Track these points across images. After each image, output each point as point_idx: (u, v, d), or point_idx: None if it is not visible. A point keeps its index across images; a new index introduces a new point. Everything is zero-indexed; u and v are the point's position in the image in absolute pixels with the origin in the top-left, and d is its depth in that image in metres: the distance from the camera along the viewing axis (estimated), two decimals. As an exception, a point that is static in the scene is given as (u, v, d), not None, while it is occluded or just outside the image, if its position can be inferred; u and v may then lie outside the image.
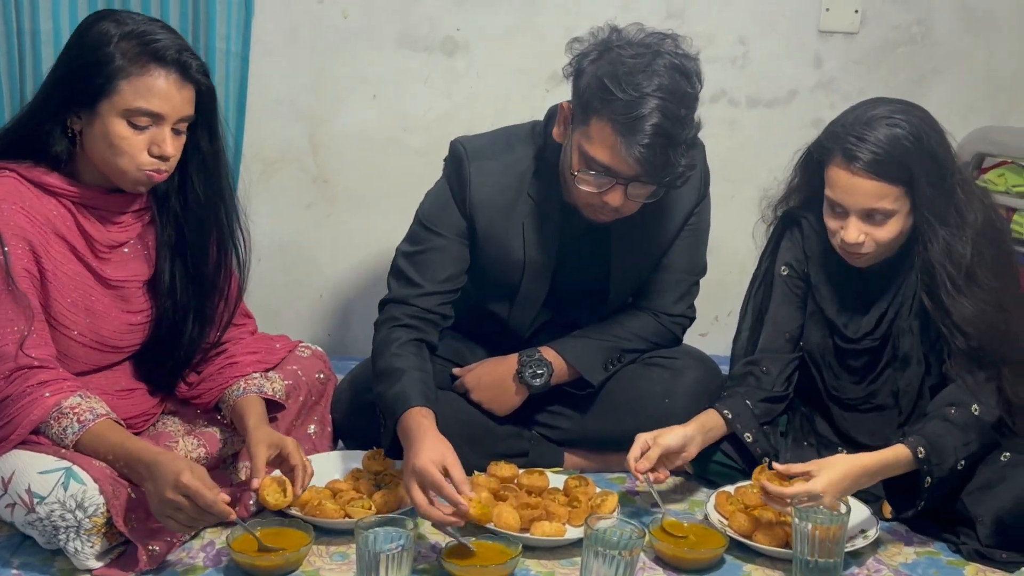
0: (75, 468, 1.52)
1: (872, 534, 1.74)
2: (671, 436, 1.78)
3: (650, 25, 1.83)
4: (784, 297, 1.95)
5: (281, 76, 2.55)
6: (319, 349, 2.06)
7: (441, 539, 1.71)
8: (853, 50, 2.75)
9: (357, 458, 1.90)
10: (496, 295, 2.01)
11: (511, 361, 1.99)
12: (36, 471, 1.52)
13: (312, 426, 1.95)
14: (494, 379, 2.00)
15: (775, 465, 1.72)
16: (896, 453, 1.70)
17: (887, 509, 1.82)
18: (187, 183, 1.72)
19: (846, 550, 1.65)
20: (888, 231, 1.77)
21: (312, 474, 1.69)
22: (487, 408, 2.00)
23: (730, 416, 1.86)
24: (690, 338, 2.17)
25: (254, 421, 1.71)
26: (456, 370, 2.06)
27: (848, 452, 1.83)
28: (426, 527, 1.75)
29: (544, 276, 1.97)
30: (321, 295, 2.72)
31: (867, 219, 1.76)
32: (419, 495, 1.61)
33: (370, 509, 1.72)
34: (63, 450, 1.55)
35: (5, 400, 1.56)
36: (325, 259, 2.69)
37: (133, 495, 1.56)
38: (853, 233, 1.76)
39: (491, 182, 1.91)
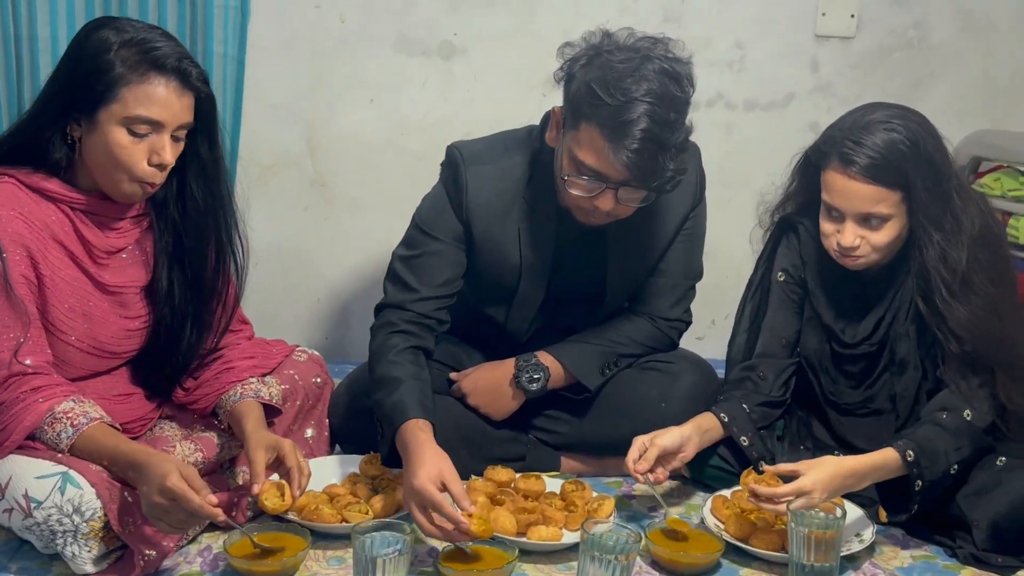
0: (72, 472, 1.53)
1: (868, 538, 1.74)
2: (668, 436, 1.79)
3: (647, 29, 1.83)
4: (781, 303, 1.95)
5: (279, 80, 2.55)
6: (316, 353, 2.06)
7: (438, 544, 1.71)
8: (850, 54, 2.75)
9: (354, 462, 1.90)
10: (492, 299, 2.01)
11: (508, 366, 2.00)
12: (33, 476, 1.52)
13: (309, 430, 1.96)
14: (491, 383, 2.00)
15: (765, 467, 1.72)
16: (885, 456, 1.71)
17: (883, 514, 1.82)
18: (186, 190, 1.73)
19: (842, 554, 1.65)
20: (884, 235, 1.77)
21: (309, 475, 1.69)
22: (484, 412, 2.00)
23: (726, 419, 1.87)
24: (687, 342, 2.18)
25: (252, 425, 1.72)
26: (453, 374, 2.06)
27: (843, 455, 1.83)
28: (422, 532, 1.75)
29: (540, 280, 1.98)
30: (319, 299, 2.72)
31: (863, 223, 1.77)
32: (420, 516, 1.62)
33: (367, 513, 1.72)
34: (59, 455, 1.56)
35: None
36: (323, 262, 2.69)
37: (130, 498, 1.56)
38: (849, 237, 1.77)
39: (487, 187, 1.92)
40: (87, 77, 1.59)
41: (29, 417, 1.55)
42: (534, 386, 1.97)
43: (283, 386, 1.89)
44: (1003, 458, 1.75)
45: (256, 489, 1.62)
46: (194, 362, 1.82)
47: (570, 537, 1.71)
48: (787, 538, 1.64)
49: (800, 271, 1.95)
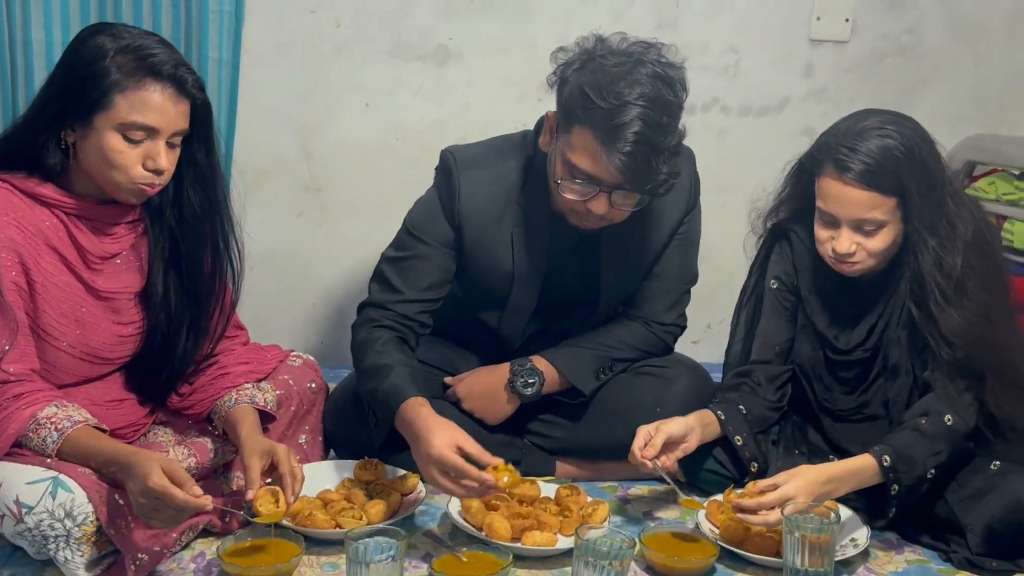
0: (62, 477, 1.52)
1: (862, 542, 1.74)
2: (673, 424, 1.80)
3: (642, 34, 1.83)
4: (774, 310, 1.96)
5: (274, 85, 2.55)
6: (310, 358, 2.06)
7: (432, 549, 1.71)
8: (844, 59, 2.76)
9: (348, 468, 1.90)
10: (486, 304, 2.01)
11: (503, 370, 2.00)
12: (24, 482, 1.52)
13: (303, 435, 1.95)
14: (486, 388, 2.00)
15: (747, 487, 1.73)
16: (862, 462, 1.72)
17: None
18: (182, 196, 1.73)
19: (836, 559, 1.65)
20: (879, 241, 1.77)
21: (303, 481, 1.68)
22: (479, 417, 2.00)
23: (723, 417, 1.88)
24: (683, 346, 2.18)
25: (247, 431, 1.71)
26: (448, 379, 2.06)
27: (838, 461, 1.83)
28: (417, 537, 1.75)
29: (533, 285, 1.98)
30: (314, 303, 2.72)
31: (858, 229, 1.77)
32: (445, 482, 1.63)
33: (361, 519, 1.71)
34: (49, 460, 1.55)
35: None
36: (318, 267, 2.69)
37: (120, 501, 1.56)
38: (845, 243, 1.77)
39: (481, 192, 1.92)
40: (83, 83, 1.59)
41: (13, 425, 1.55)
42: (529, 391, 1.97)
43: (278, 392, 1.88)
44: (997, 462, 1.75)
45: (251, 495, 1.62)
46: (190, 368, 1.81)
47: (564, 542, 1.71)
48: (781, 543, 1.64)
49: (793, 278, 1.95)
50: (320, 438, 1.99)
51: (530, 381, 1.98)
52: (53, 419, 1.57)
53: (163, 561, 1.62)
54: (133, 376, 1.80)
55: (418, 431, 1.68)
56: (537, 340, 2.06)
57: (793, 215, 1.94)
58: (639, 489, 2.02)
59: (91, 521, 1.53)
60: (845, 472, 1.72)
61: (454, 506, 1.78)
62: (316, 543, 1.70)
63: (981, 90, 2.83)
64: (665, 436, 1.77)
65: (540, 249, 1.95)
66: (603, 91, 1.71)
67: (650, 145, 1.71)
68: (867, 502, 1.78)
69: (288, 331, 2.66)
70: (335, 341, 2.72)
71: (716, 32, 2.69)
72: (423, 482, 1.85)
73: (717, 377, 2.08)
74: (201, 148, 1.70)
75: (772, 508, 1.65)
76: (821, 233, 1.82)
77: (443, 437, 1.65)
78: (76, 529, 1.52)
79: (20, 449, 1.57)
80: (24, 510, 1.51)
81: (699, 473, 1.94)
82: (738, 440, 1.88)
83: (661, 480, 2.03)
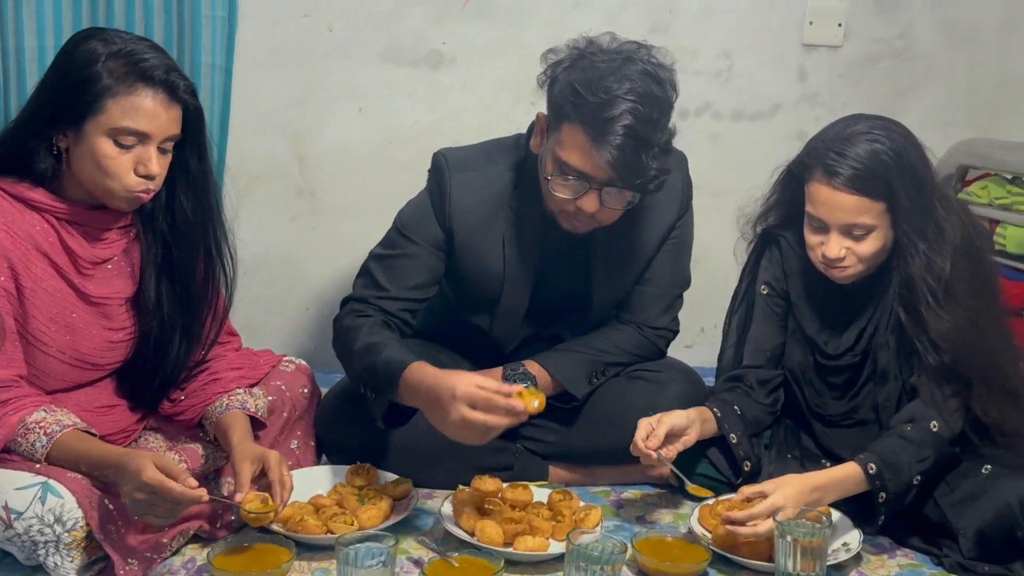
0: (51, 482, 1.52)
1: (855, 547, 1.74)
2: (675, 416, 1.80)
3: (635, 39, 1.83)
4: (765, 316, 1.96)
5: (267, 90, 2.55)
6: (303, 363, 2.06)
7: (424, 554, 1.70)
8: (837, 63, 2.76)
9: (340, 473, 1.90)
10: (478, 307, 2.01)
11: (495, 375, 1.99)
12: (12, 487, 1.51)
13: (295, 441, 1.95)
14: (479, 393, 2.00)
15: (735, 495, 1.72)
16: (847, 470, 1.73)
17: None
18: (175, 202, 1.72)
19: (829, 563, 1.65)
20: (869, 246, 1.77)
21: (291, 489, 1.68)
22: (472, 421, 2.00)
23: (719, 415, 1.88)
24: (677, 350, 2.18)
25: (238, 437, 1.71)
26: (441, 383, 2.05)
27: (831, 466, 1.83)
28: (407, 543, 1.75)
29: (524, 289, 1.97)
30: (307, 308, 2.72)
31: (848, 234, 1.77)
32: (474, 415, 1.61)
33: (353, 525, 1.71)
34: (38, 465, 1.55)
35: None
36: (311, 271, 2.69)
37: (111, 506, 1.56)
38: (834, 248, 1.77)
39: (472, 194, 1.92)
40: (74, 88, 1.59)
41: (1, 431, 1.55)
42: (521, 395, 1.97)
43: (270, 398, 1.88)
44: (988, 466, 1.75)
45: (239, 498, 1.62)
46: (182, 375, 1.81)
47: (557, 547, 1.71)
48: (773, 547, 1.64)
49: (783, 284, 1.95)
50: (312, 443, 1.98)
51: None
52: (42, 423, 1.57)
53: (154, 567, 1.61)
54: (125, 382, 1.79)
55: (433, 384, 1.66)
56: (530, 344, 2.05)
57: (782, 220, 1.94)
58: (632, 493, 2.02)
59: (81, 526, 1.52)
60: (831, 480, 1.72)
61: (446, 511, 1.78)
62: (307, 548, 1.69)
63: (973, 94, 2.84)
64: (668, 427, 1.77)
65: (531, 252, 1.94)
66: (592, 86, 1.71)
67: (639, 139, 1.71)
68: (857, 509, 1.78)
69: (281, 336, 2.66)
70: (328, 346, 2.71)
71: (709, 37, 2.70)
72: (415, 487, 1.85)
73: (710, 381, 2.08)
74: (193, 154, 1.70)
75: (761, 519, 1.65)
76: (811, 239, 1.82)
77: (462, 378, 1.63)
78: (66, 534, 1.52)
79: (9, 455, 1.57)
80: (13, 516, 1.51)
81: (692, 477, 1.94)
82: (733, 438, 1.88)
83: (655, 483, 2.04)
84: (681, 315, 2.13)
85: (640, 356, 2.06)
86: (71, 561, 1.54)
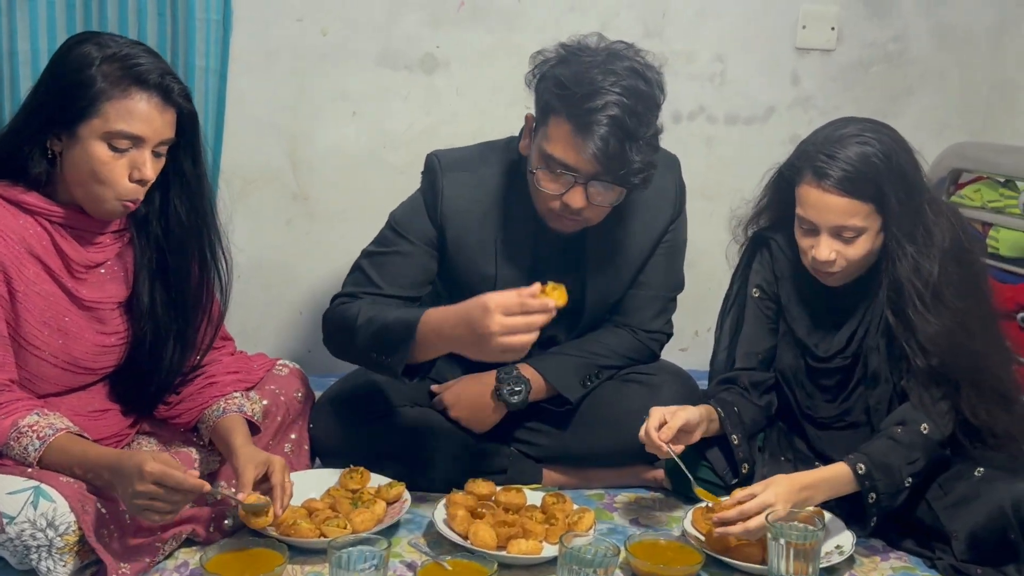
0: (43, 486, 1.52)
1: (848, 549, 1.74)
2: (690, 411, 1.80)
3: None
4: (756, 319, 1.96)
5: (261, 94, 2.55)
6: (297, 367, 2.06)
7: (417, 558, 1.70)
8: (830, 67, 2.77)
9: (334, 476, 1.90)
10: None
11: (489, 378, 1.99)
12: (4, 492, 1.51)
13: (288, 444, 1.94)
14: (472, 396, 2.00)
15: (726, 499, 1.73)
16: (836, 470, 1.73)
17: None
18: (169, 206, 1.72)
19: (822, 566, 1.65)
20: (858, 249, 1.78)
21: (291, 496, 1.68)
22: (465, 425, 2.00)
23: (722, 414, 1.88)
24: (672, 353, 2.18)
25: (240, 440, 1.71)
26: (434, 387, 2.05)
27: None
28: (400, 547, 1.74)
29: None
30: (301, 312, 2.72)
31: (837, 237, 1.78)
32: (509, 320, 1.60)
33: (346, 528, 1.71)
34: (30, 469, 1.55)
35: None
36: (305, 276, 2.69)
37: (103, 511, 1.55)
38: (824, 251, 1.78)
39: (464, 194, 1.92)
40: (68, 92, 1.59)
41: None
42: (515, 398, 1.97)
43: (264, 402, 1.88)
44: (981, 469, 1.76)
45: (242, 497, 1.62)
46: (177, 379, 1.81)
47: (550, 550, 1.71)
48: (766, 550, 1.64)
49: (774, 287, 1.96)
50: (306, 447, 1.98)
51: (516, 389, 1.97)
52: (35, 427, 1.56)
53: (147, 571, 1.61)
54: (119, 387, 1.79)
55: (460, 310, 1.65)
56: (523, 347, 2.06)
57: (773, 223, 1.95)
58: (626, 496, 2.02)
59: (73, 531, 1.52)
60: (820, 479, 1.73)
61: (439, 514, 1.78)
62: (300, 552, 1.69)
63: (966, 98, 2.85)
64: (682, 421, 1.77)
65: (523, 253, 1.95)
66: (578, 79, 1.72)
67: (624, 130, 1.72)
68: (849, 511, 1.78)
69: (275, 340, 2.65)
70: (322, 350, 2.69)
71: (702, 41, 2.71)
72: (408, 490, 1.85)
73: (704, 384, 2.08)
74: (188, 158, 1.70)
75: (751, 516, 1.65)
76: (802, 242, 1.82)
77: (488, 294, 1.62)
78: (58, 539, 1.51)
79: (1, 459, 1.56)
80: (5, 520, 1.50)
81: (688, 481, 1.94)
82: (734, 439, 1.88)
83: (649, 486, 2.03)
84: (675, 318, 2.13)
85: (634, 359, 2.07)
86: (64, 565, 1.53)
